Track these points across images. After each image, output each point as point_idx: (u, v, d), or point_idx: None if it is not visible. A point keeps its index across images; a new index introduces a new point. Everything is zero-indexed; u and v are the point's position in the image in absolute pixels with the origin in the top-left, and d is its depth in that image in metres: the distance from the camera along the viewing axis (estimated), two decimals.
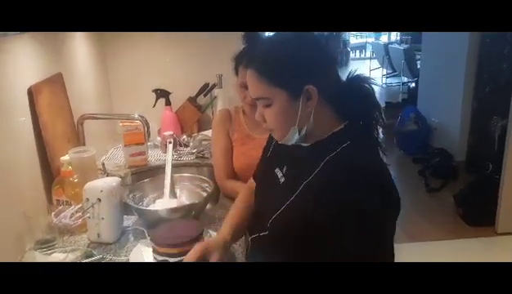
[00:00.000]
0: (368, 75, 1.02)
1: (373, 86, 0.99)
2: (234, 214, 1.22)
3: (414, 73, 6.50)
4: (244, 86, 1.49)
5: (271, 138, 1.21)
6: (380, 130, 0.99)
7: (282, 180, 1.05)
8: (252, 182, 1.29)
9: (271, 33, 1.02)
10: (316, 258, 0.90)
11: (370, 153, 0.95)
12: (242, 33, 1.48)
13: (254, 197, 1.19)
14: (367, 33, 11.59)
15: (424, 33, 5.10)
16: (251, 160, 1.54)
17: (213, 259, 1.06)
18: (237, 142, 1.60)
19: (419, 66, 5.86)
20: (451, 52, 4.25)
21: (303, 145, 1.01)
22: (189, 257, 1.06)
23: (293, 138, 0.97)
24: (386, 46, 7.96)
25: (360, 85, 0.98)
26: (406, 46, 7.02)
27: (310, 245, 0.93)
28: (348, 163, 0.91)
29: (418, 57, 6.14)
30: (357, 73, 1.00)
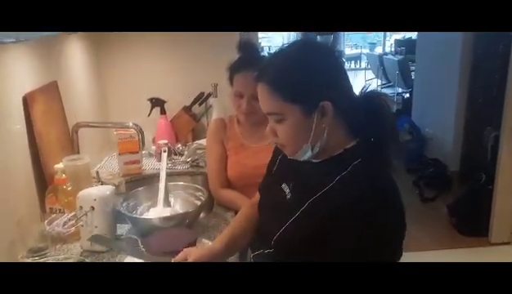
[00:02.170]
0: (382, 92, 0.98)
1: (388, 102, 0.96)
2: (229, 229, 1.19)
3: (408, 83, 6.54)
4: (239, 96, 1.50)
5: (276, 151, 1.17)
6: (394, 148, 0.95)
7: (289, 196, 1.01)
8: (255, 198, 1.24)
9: (283, 46, 0.98)
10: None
11: (381, 172, 0.92)
12: (237, 42, 1.50)
13: (258, 211, 1.15)
14: (362, 43, 11.68)
15: (417, 43, 5.14)
16: (245, 169, 1.55)
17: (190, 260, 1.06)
18: (231, 151, 1.61)
19: (413, 77, 5.90)
20: (444, 63, 4.29)
21: (313, 161, 0.97)
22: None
23: (305, 155, 0.94)
24: (380, 56, 8.01)
25: (374, 101, 0.94)
26: (400, 57, 7.07)
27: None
28: (358, 182, 0.88)
29: (412, 68, 6.19)
30: (371, 88, 0.97)
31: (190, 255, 1.07)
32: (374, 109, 0.93)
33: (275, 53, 0.99)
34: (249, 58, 1.47)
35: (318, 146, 0.92)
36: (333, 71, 0.92)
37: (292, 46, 0.97)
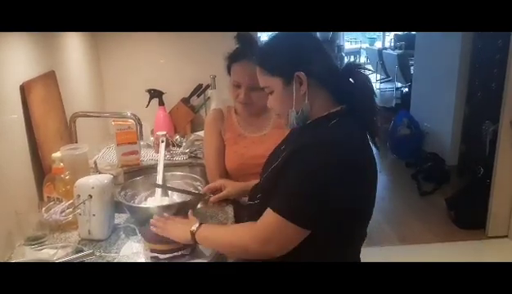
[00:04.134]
0: (362, 64, 1.09)
1: (367, 73, 1.11)
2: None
3: (407, 78, 6.54)
4: (237, 85, 1.50)
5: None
6: (376, 116, 1.09)
7: (284, 153, 1.14)
8: None
9: (272, 33, 1.15)
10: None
11: (354, 129, 1.06)
12: (235, 33, 1.50)
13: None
14: (362, 38, 11.65)
15: (416, 38, 5.13)
16: (243, 159, 1.55)
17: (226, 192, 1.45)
18: (229, 141, 1.61)
19: (412, 71, 5.89)
20: (443, 58, 4.29)
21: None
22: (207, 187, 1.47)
23: (293, 119, 1.09)
24: (380, 51, 8.00)
25: (354, 71, 1.09)
26: (399, 51, 7.06)
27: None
28: (330, 133, 1.03)
29: (411, 63, 6.18)
30: (352, 61, 1.07)
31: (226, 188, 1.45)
32: (353, 77, 1.09)
33: (267, 40, 1.18)
34: (246, 48, 1.47)
35: (302, 111, 1.08)
36: (307, 48, 1.08)
37: (278, 32, 1.14)
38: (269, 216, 1.02)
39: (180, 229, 1.17)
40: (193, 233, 1.14)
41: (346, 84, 1.08)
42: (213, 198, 1.47)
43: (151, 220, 1.22)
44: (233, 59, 1.49)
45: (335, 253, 1.08)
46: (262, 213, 1.06)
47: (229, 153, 1.60)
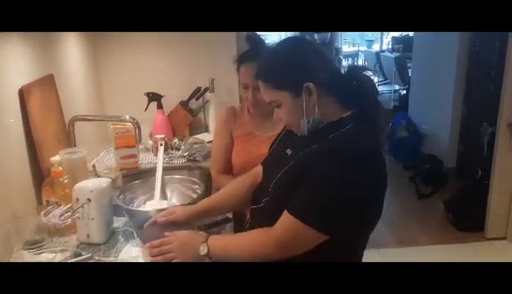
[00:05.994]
0: (362, 65, 1.08)
1: (369, 74, 1.13)
2: (212, 197, 1.37)
3: (405, 80, 6.56)
4: (245, 87, 1.54)
5: (278, 134, 1.33)
6: (381, 116, 1.11)
7: (289, 154, 1.17)
8: (245, 176, 1.37)
9: (271, 46, 1.18)
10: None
11: (369, 134, 1.07)
12: (234, 36, 1.52)
13: (262, 176, 1.28)
14: (359, 40, 11.67)
15: (414, 41, 5.15)
16: (250, 157, 1.59)
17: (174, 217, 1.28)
18: (239, 139, 1.65)
19: (410, 74, 5.91)
20: (441, 60, 4.30)
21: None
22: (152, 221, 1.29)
23: (305, 128, 1.08)
24: (378, 54, 8.02)
25: (357, 73, 1.10)
26: (397, 54, 7.07)
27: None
28: (348, 139, 1.03)
29: (409, 65, 6.19)
30: (352, 64, 1.07)
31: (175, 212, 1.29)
32: (356, 80, 1.09)
33: (265, 53, 1.17)
34: (252, 51, 1.53)
35: (314, 119, 1.07)
36: (310, 56, 1.07)
37: (276, 45, 1.15)
38: (289, 221, 1.01)
39: (189, 253, 1.14)
40: (207, 256, 1.11)
41: (351, 87, 1.09)
42: (160, 219, 1.30)
43: (152, 251, 1.16)
44: (241, 61, 1.54)
45: (345, 257, 1.08)
46: (269, 216, 1.07)
47: (237, 149, 1.65)
